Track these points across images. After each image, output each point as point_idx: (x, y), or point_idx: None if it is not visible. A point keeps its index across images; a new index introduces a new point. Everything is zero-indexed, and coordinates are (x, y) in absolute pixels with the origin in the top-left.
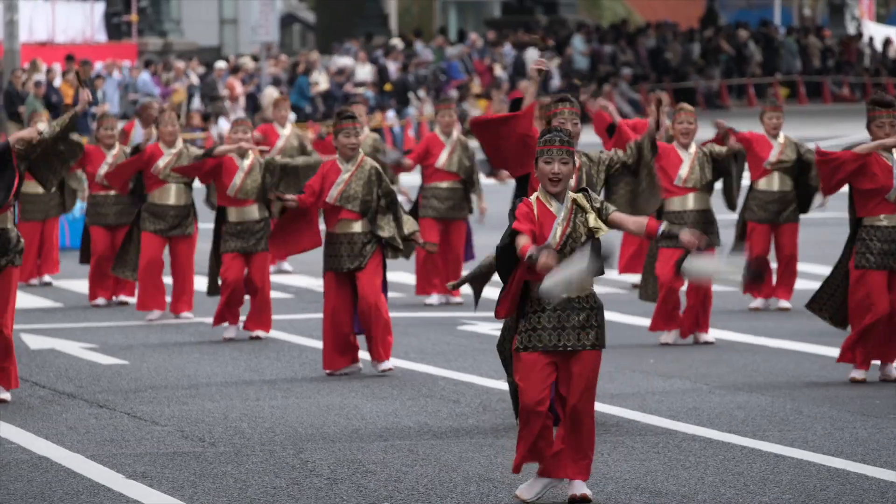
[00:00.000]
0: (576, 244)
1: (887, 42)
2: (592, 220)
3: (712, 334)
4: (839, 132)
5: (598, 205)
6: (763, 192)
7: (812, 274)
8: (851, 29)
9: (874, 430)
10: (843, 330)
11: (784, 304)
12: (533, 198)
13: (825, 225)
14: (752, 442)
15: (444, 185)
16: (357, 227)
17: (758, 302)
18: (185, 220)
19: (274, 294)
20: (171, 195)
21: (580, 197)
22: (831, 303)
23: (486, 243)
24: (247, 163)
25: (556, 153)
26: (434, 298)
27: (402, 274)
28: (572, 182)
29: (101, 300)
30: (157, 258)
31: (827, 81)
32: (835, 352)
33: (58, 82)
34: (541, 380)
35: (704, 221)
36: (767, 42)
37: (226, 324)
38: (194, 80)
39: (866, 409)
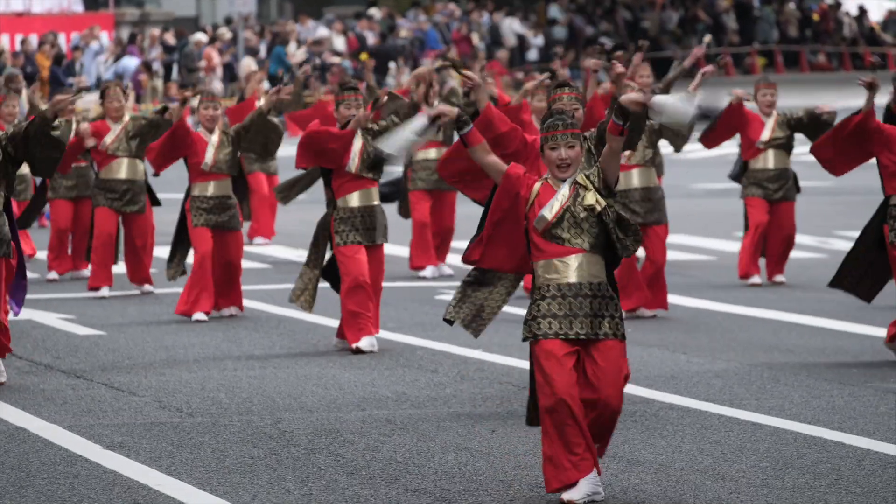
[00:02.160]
0: (574, 219)
1: (863, 11)
2: (591, 197)
3: (690, 303)
4: (816, 101)
5: (596, 181)
6: (759, 171)
7: (799, 244)
8: None
9: (850, 398)
10: (868, 303)
11: (779, 277)
12: (540, 181)
13: (817, 194)
14: (729, 410)
15: (432, 155)
16: (375, 198)
17: (756, 278)
18: (137, 195)
19: (251, 264)
20: (121, 170)
21: (582, 177)
22: (852, 274)
23: (470, 213)
24: (215, 137)
25: (560, 138)
26: (428, 271)
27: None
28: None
29: (53, 274)
30: (111, 234)
31: (804, 51)
32: (813, 320)
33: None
34: (569, 368)
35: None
36: (744, 11)
37: (200, 314)
38: (170, 39)
39: (843, 378)
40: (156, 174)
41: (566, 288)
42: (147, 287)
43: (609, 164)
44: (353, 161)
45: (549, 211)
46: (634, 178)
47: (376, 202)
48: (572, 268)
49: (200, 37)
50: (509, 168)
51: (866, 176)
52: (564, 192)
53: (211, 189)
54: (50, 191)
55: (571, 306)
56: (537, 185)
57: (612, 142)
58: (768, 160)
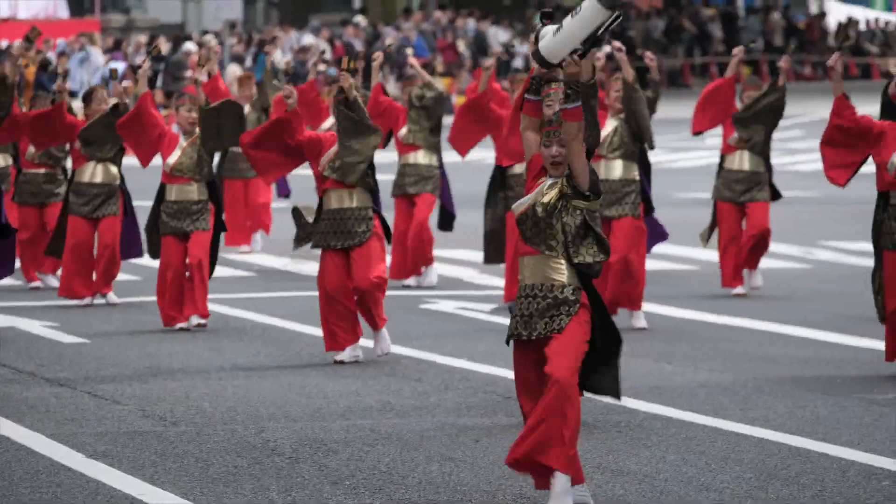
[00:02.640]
0: (535, 218)
1: (851, 22)
2: (549, 195)
3: (673, 313)
4: (800, 111)
5: (567, 189)
6: (730, 171)
7: (783, 255)
8: (814, 8)
9: (835, 409)
10: None
11: (755, 280)
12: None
13: (803, 204)
14: (713, 420)
15: (421, 160)
16: (346, 200)
17: (740, 289)
18: (108, 199)
19: (236, 272)
20: (91, 173)
21: (564, 183)
22: None
23: (461, 221)
24: (185, 141)
25: (553, 135)
26: (412, 280)
27: None
28: None
29: (37, 283)
30: (84, 241)
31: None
32: (797, 331)
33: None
34: (522, 377)
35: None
36: (730, 20)
37: (184, 323)
38: (163, 46)
39: (827, 389)
40: (38, 147)
41: (522, 289)
42: (110, 297)
43: (571, 161)
44: (322, 162)
45: (521, 205)
46: (610, 170)
47: (348, 205)
48: (529, 268)
49: (191, 47)
50: (535, 155)
51: (853, 186)
52: (542, 188)
53: (174, 193)
54: (15, 196)
55: (527, 307)
56: (543, 179)
57: (564, 131)
58: (744, 162)
